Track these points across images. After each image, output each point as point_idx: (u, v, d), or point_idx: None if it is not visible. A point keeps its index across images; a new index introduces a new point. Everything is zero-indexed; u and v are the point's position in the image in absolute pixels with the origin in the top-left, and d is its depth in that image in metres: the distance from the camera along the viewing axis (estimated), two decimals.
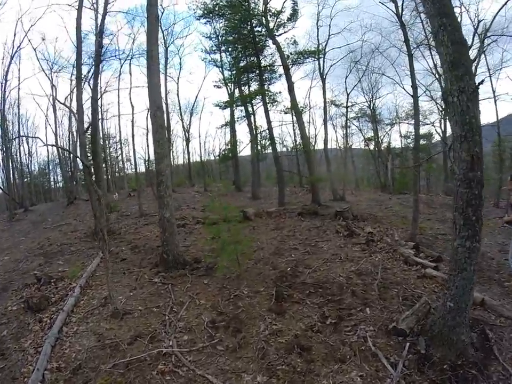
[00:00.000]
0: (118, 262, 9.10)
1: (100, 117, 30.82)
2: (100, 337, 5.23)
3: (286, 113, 23.25)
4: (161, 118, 8.47)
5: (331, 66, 19.56)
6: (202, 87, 40.88)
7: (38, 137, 24.14)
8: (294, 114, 17.66)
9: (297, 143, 25.41)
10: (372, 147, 29.93)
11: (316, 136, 30.65)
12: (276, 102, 21.52)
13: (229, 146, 25.27)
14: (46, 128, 33.71)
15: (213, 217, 13.28)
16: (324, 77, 19.46)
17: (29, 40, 26.46)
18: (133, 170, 34.88)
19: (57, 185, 38.56)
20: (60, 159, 30.27)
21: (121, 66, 25.73)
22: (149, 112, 8.65)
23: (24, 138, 30.65)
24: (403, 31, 10.25)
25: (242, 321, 5.24)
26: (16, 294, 7.46)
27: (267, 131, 17.64)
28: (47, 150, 30.30)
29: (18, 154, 28.92)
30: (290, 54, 18.29)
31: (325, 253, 8.23)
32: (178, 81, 29.68)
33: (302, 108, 22.52)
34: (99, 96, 22.99)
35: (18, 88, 24.80)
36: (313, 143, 26.87)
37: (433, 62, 18.48)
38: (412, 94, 10.43)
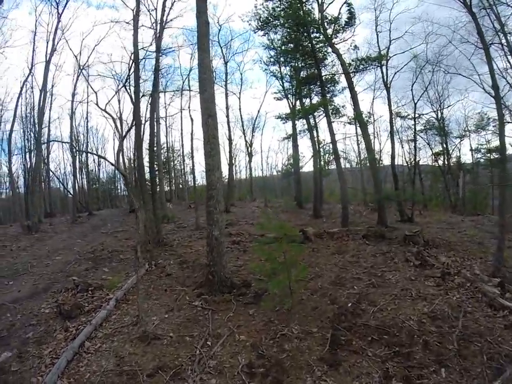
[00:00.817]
0: (163, 277, 9.00)
1: (164, 131, 32.37)
2: (120, 361, 4.96)
3: (350, 123, 22.09)
4: (213, 127, 8.10)
5: (395, 73, 18.20)
6: (264, 101, 40.91)
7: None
8: (358, 125, 16.64)
9: (362, 157, 24.14)
10: (440, 162, 27.67)
11: (381, 151, 29.11)
12: (339, 114, 20.69)
13: (291, 161, 24.81)
14: (114, 140, 35.44)
15: (269, 235, 12.97)
16: (388, 85, 18.21)
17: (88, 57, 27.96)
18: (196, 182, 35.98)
19: (124, 192, 40.36)
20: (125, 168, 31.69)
21: (183, 82, 26.44)
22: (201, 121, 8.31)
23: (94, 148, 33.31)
24: (475, 21, 8.89)
25: (286, 370, 4.58)
26: (53, 297, 7.59)
27: (330, 145, 16.84)
28: (114, 159, 32.25)
29: (86, 162, 31.90)
30: (352, 61, 17.33)
31: (393, 286, 7.29)
32: (240, 96, 29.98)
33: (366, 119, 21.47)
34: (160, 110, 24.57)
35: (87, 102, 26.72)
36: (378, 159, 25.36)
37: (504, 64, 16.46)
38: (493, 95, 9.10)
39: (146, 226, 11.05)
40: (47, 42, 19.49)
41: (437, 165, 27.55)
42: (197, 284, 8.04)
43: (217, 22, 25.72)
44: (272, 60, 20.64)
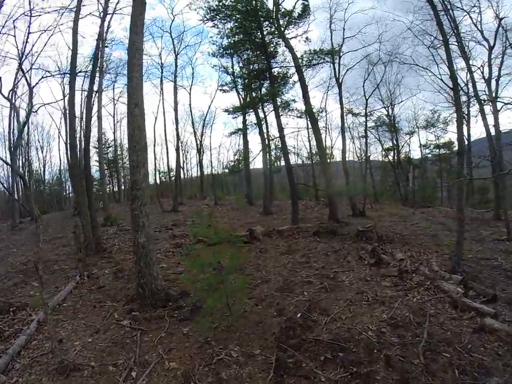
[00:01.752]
0: (94, 290, 7.94)
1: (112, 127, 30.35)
2: None
3: (299, 117, 21.30)
4: (139, 116, 6.98)
5: (347, 70, 17.96)
6: (215, 97, 39.20)
7: None
8: (308, 119, 15.83)
9: (313, 153, 23.54)
10: (390, 158, 28.08)
11: (332, 147, 28.88)
12: (289, 108, 19.96)
13: (238, 157, 23.93)
14: (59, 137, 32.72)
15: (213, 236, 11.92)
16: (340, 81, 17.90)
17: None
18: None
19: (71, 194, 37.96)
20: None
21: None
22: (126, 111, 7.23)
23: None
24: (435, 12, 8.48)
25: None
26: None
27: (279, 139, 15.98)
28: (59, 159, 30.25)
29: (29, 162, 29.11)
30: (304, 53, 16.63)
31: (347, 289, 6.50)
32: (190, 91, 28.58)
33: (317, 114, 20.97)
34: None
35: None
36: (329, 154, 25.05)
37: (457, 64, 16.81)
38: (451, 86, 8.93)
39: (76, 232, 9.80)
40: None
41: (387, 160, 27.91)
42: (129, 297, 6.94)
43: (171, 13, 24.12)
44: (221, 51, 19.44)
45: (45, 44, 24.48)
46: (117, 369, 4.57)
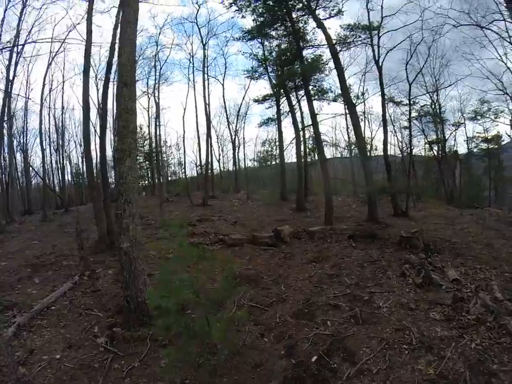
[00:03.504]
0: (88, 293, 7.24)
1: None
2: None
3: (334, 100, 18.81)
4: (128, 98, 5.92)
5: (387, 52, 15.86)
6: (250, 88, 37.76)
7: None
8: (345, 106, 14.02)
9: (352, 144, 21.48)
10: (435, 152, 25.40)
11: (372, 140, 26.68)
12: (322, 93, 18.06)
13: (267, 148, 22.59)
14: (95, 132, 33.25)
15: (235, 236, 10.71)
16: (380, 64, 15.94)
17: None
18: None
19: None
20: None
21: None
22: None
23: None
24: None
25: None
26: None
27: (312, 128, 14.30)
28: (95, 153, 30.70)
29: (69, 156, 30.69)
30: (340, 27, 14.77)
31: (384, 321, 4.99)
32: (223, 83, 27.56)
33: (355, 98, 19.07)
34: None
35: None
36: (370, 146, 22.84)
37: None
38: None
39: (78, 229, 8.96)
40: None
41: (431, 155, 25.36)
42: (118, 307, 6.09)
43: (196, 3, 23.41)
44: (246, 34, 17.96)
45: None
46: None
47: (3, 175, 23.10)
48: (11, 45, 17.85)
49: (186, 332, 3.83)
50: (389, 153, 16.72)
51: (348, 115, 17.96)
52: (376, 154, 25.90)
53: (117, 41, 8.23)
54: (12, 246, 13.14)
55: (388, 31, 15.60)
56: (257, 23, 15.93)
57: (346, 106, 13.20)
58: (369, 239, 9.64)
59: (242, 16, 16.10)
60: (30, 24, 21.33)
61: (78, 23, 17.63)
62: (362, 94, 23.01)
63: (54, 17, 35.65)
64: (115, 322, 5.60)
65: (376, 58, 15.58)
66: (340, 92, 15.69)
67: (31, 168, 26.53)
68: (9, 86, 18.42)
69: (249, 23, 17.51)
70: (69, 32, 23.65)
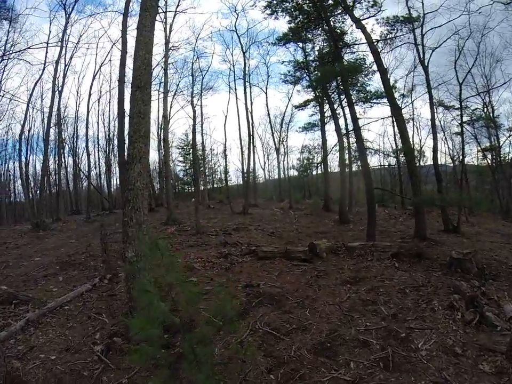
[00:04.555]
0: (104, 297, 7.18)
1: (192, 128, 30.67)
2: None
3: (376, 101, 17.90)
4: (141, 101, 5.77)
5: (433, 51, 14.68)
6: (293, 96, 36.61)
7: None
8: (390, 107, 12.80)
9: (399, 152, 19.84)
10: (489, 160, 23.02)
11: (421, 147, 24.71)
12: (364, 94, 16.92)
13: (306, 155, 21.73)
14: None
15: (267, 249, 10.05)
16: (426, 64, 14.65)
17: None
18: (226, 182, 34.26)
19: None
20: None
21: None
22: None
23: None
24: None
25: None
26: None
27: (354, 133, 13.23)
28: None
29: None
30: (376, 22, 13.77)
31: (421, 369, 3.99)
32: (266, 90, 27.40)
33: (400, 99, 17.65)
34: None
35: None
36: (418, 155, 20.98)
37: None
38: None
39: (102, 232, 9.38)
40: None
41: (485, 163, 23.08)
42: (125, 316, 5.67)
43: (235, 11, 23.60)
44: (282, 38, 17.40)
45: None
46: None
47: (54, 178, 24.95)
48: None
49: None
50: (439, 162, 15.30)
51: (394, 120, 16.60)
52: (425, 163, 24.28)
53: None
54: (50, 243, 14.05)
55: (432, 28, 14.42)
56: (293, 24, 15.38)
57: (391, 110, 12.04)
58: (415, 258, 8.53)
59: (275, 18, 15.64)
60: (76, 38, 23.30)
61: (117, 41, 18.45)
62: (410, 91, 21.47)
63: (98, 32, 37.31)
64: (118, 331, 5.43)
65: (421, 57, 14.49)
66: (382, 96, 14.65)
67: (80, 172, 28.28)
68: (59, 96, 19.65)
69: (285, 26, 16.96)
70: (113, 44, 24.76)
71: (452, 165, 23.89)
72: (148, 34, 6.08)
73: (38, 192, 25.33)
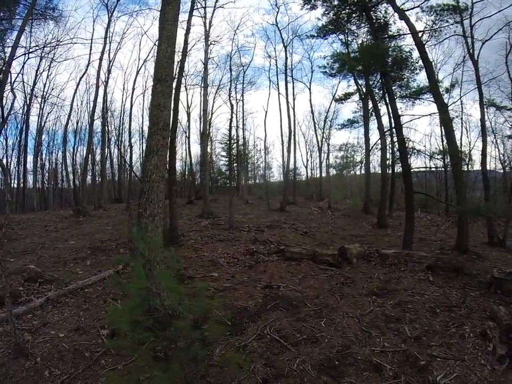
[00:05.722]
0: (123, 283, 7.09)
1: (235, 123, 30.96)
2: None
3: (419, 97, 16.52)
4: (161, 94, 5.77)
5: (484, 43, 13.55)
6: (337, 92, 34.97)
7: None
8: (436, 104, 11.68)
9: (445, 153, 18.42)
10: None
11: (470, 150, 23.07)
12: (406, 87, 15.82)
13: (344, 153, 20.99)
14: (184, 131, 34.84)
15: (295, 249, 9.74)
16: (476, 58, 13.46)
17: None
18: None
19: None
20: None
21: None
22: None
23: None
24: None
25: None
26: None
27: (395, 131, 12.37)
28: (186, 151, 32.77)
29: None
30: (421, 10, 12.74)
31: None
32: (310, 86, 26.84)
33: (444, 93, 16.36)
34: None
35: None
36: (466, 159, 19.36)
37: None
38: None
39: (130, 222, 9.96)
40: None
41: None
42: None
43: (275, 5, 23.93)
44: (321, 30, 16.62)
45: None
46: (50, 378, 4.14)
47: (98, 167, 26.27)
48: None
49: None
50: (488, 167, 14.12)
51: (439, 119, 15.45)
52: (473, 168, 22.65)
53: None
54: (87, 228, 14.87)
55: (481, 19, 13.22)
56: (332, 15, 14.69)
57: (437, 107, 11.09)
58: (452, 273, 7.78)
59: (312, 7, 15.02)
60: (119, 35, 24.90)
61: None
62: (452, 85, 19.89)
63: (141, 29, 38.93)
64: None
65: (471, 51, 13.36)
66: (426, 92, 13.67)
67: (124, 162, 29.44)
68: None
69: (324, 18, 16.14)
70: (155, 43, 25.69)
71: (501, 171, 22.38)
72: (170, 27, 6.10)
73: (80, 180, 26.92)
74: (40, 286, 7.21)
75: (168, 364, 3.32)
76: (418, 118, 12.40)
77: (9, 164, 26.63)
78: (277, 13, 23.25)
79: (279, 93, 25.36)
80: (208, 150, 26.21)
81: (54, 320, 5.70)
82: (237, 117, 28.80)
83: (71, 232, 14.04)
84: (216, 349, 4.45)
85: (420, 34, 11.64)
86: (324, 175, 31.39)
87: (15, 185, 27.57)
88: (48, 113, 28.80)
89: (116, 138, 30.15)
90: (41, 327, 5.38)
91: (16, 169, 28.00)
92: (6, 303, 4.86)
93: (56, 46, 22.32)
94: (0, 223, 6.07)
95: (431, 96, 13.14)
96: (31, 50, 21.15)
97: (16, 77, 22.81)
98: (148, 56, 29.79)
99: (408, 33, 11.83)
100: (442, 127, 14.78)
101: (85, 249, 10.63)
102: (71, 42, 21.76)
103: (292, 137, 23.38)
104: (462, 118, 21.97)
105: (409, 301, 6.39)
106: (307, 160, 37.77)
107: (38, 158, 29.15)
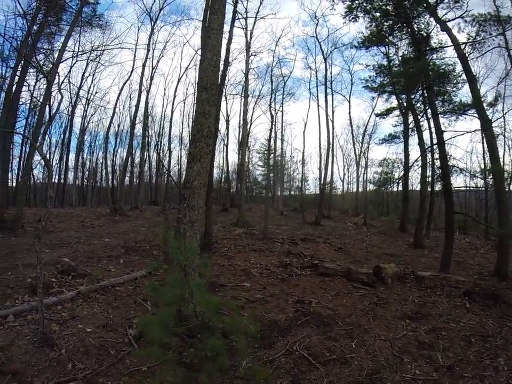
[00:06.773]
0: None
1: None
2: None
3: (462, 110, 15.88)
4: (207, 102, 5.94)
5: None
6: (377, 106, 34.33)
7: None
8: (480, 120, 11.28)
9: (487, 173, 17.63)
10: None
11: None
12: (449, 102, 15.38)
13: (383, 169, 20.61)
14: (223, 140, 35.49)
15: (329, 265, 9.72)
16: None
17: None
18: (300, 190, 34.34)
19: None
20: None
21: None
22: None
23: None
24: None
25: None
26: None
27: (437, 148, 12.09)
28: (223, 159, 33.55)
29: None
30: (462, 19, 12.40)
31: None
32: (349, 99, 26.65)
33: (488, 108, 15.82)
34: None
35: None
36: (509, 180, 18.38)
37: None
38: None
39: (165, 226, 10.82)
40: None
41: None
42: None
43: (315, 17, 23.93)
44: (363, 42, 16.57)
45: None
46: (73, 371, 4.20)
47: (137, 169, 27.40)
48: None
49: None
50: None
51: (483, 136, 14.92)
52: None
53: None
54: (123, 227, 15.37)
55: None
56: (373, 27, 14.64)
57: (480, 123, 10.76)
58: (490, 301, 7.54)
59: (354, 20, 15.03)
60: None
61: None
62: (496, 99, 19.00)
63: (183, 38, 40.39)
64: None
65: None
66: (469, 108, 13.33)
67: (163, 166, 30.63)
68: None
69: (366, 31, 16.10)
70: (196, 51, 26.11)
71: None
72: (215, 36, 6.25)
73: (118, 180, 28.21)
74: (72, 279, 7.49)
75: (193, 371, 3.45)
76: (462, 134, 11.98)
77: (52, 160, 28.59)
78: (316, 24, 23.53)
79: (318, 105, 25.41)
80: (246, 159, 26.56)
81: (82, 314, 5.85)
82: (275, 127, 28.99)
83: (107, 229, 14.57)
84: (243, 361, 4.41)
85: (462, 46, 11.42)
86: (360, 190, 31.12)
87: (56, 181, 29.33)
88: (92, 115, 30.94)
89: (155, 142, 31.38)
90: (70, 320, 5.53)
91: (58, 165, 30.06)
92: (39, 293, 4.98)
93: (102, 52, 23.64)
94: (40, 216, 6.42)
95: (475, 111, 12.77)
96: (78, 54, 22.45)
97: (64, 79, 24.50)
98: (189, 64, 30.79)
99: (451, 45, 11.58)
100: (485, 144, 14.23)
101: (119, 248, 10.96)
102: (118, 47, 22.99)
103: (330, 150, 23.27)
104: (504, 135, 21.00)
105: (444, 327, 6.23)
106: (344, 174, 37.51)
107: (80, 157, 31.09)
